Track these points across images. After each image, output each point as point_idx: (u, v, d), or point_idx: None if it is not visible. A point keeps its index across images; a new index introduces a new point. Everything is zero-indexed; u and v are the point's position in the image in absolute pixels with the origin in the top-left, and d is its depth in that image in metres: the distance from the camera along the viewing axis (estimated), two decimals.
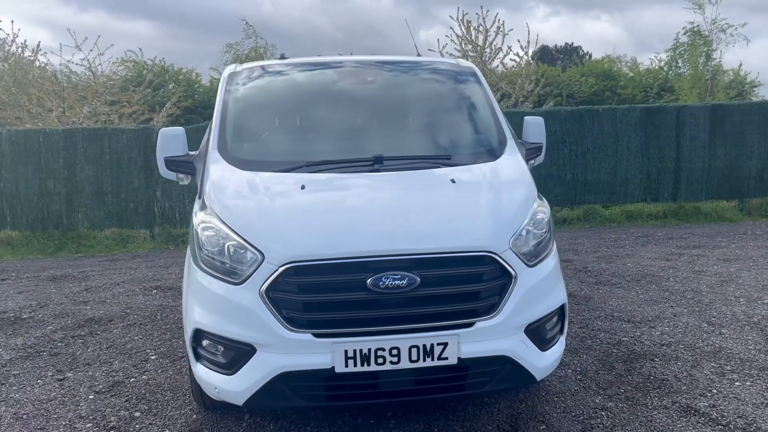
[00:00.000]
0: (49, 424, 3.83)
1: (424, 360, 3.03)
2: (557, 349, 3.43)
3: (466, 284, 3.10)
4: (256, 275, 3.01)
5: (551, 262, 3.44)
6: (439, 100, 4.41)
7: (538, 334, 3.30)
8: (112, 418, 3.87)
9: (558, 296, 3.42)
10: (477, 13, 16.66)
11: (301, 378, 3.00)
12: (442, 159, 3.76)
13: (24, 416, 3.97)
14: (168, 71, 23.46)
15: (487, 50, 16.97)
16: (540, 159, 4.43)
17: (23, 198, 11.15)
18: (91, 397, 4.24)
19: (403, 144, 4.03)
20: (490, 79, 16.12)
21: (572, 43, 39.73)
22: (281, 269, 2.97)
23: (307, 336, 2.97)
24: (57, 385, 4.47)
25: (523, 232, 3.31)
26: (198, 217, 3.42)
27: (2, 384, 4.54)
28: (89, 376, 4.64)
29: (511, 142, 4.01)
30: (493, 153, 3.89)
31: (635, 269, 7.56)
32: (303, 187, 3.39)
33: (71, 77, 19.40)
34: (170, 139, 3.96)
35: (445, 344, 3.04)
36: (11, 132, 11.23)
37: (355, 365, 2.98)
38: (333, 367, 2.97)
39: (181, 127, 4.05)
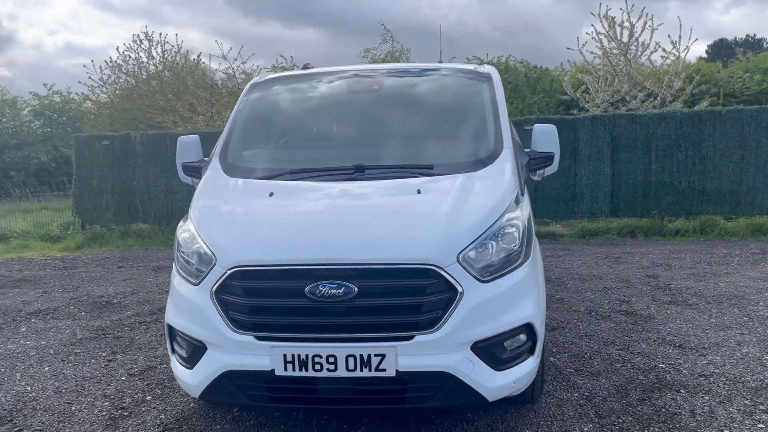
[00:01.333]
0: (76, 400, 4.30)
1: (362, 370, 3.04)
2: (520, 371, 3.27)
3: (406, 297, 3.06)
4: (209, 277, 3.20)
5: (518, 276, 3.28)
6: (440, 108, 4.34)
7: (491, 352, 3.17)
8: (128, 400, 4.27)
9: (521, 313, 3.26)
10: (621, 8, 15.61)
11: (245, 377, 3.14)
12: (424, 169, 3.72)
13: (62, 391, 4.49)
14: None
15: (632, 47, 15.83)
16: (552, 169, 4.22)
17: (152, 195, 12.39)
18: (123, 378, 4.69)
19: (391, 153, 4.03)
20: (635, 78, 15.10)
21: (754, 35, 35.96)
22: (229, 272, 3.14)
23: (249, 338, 3.11)
24: (103, 365, 4.99)
25: (481, 246, 3.20)
26: (182, 221, 3.68)
27: (62, 360, 5.16)
28: (132, 359, 5.13)
29: (506, 151, 3.86)
30: (481, 162, 3.77)
31: (725, 290, 6.84)
32: (271, 194, 3.53)
33: (227, 83, 21.19)
34: (186, 146, 4.28)
35: (383, 356, 3.03)
36: (143, 135, 12.52)
37: (294, 370, 3.07)
38: (273, 370, 3.08)
39: (196, 135, 4.36)
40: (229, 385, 3.18)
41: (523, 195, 3.81)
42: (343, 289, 3.02)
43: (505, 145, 3.90)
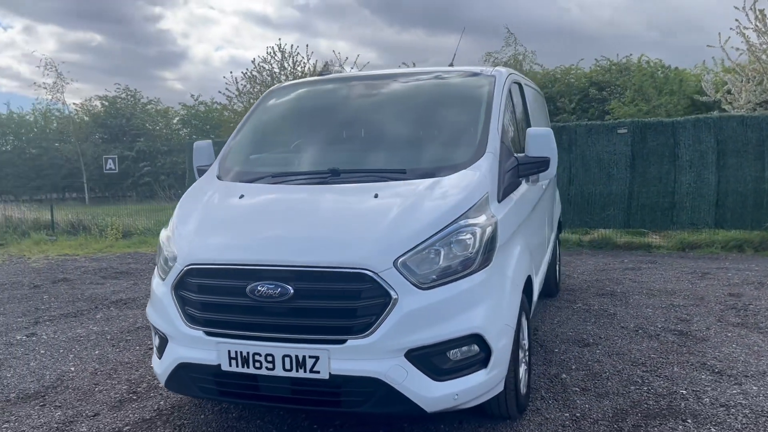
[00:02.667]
0: (103, 382, 4.72)
1: (297, 371, 3.10)
2: (465, 383, 3.16)
3: (340, 300, 3.08)
4: (171, 274, 3.42)
5: (468, 284, 3.17)
6: (431, 112, 4.26)
7: (429, 361, 3.10)
8: (143, 386, 4.62)
9: (468, 323, 3.14)
10: None
11: (196, 370, 3.31)
12: (396, 173, 3.69)
13: (98, 373, 4.95)
14: None
15: None
16: (549, 174, 4.00)
17: None
18: (151, 366, 5.07)
19: (371, 158, 4.03)
20: None
21: None
22: (185, 269, 3.33)
23: (199, 333, 3.28)
24: (142, 353, 5.43)
25: (425, 251, 3.13)
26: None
27: (112, 346, 5.67)
28: None
29: (486, 155, 3.72)
30: (456, 167, 3.67)
31: None
32: (241, 197, 3.69)
33: None
34: (200, 151, 4.55)
35: (317, 358, 3.07)
36: None
37: (237, 366, 3.19)
38: (219, 365, 3.22)
39: (209, 141, 4.62)
40: (184, 377, 3.37)
41: (501, 200, 3.66)
42: (279, 289, 3.10)
43: (487, 150, 3.76)
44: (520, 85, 4.97)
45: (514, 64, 25.14)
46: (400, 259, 3.09)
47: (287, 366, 3.12)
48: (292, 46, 35.57)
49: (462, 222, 3.29)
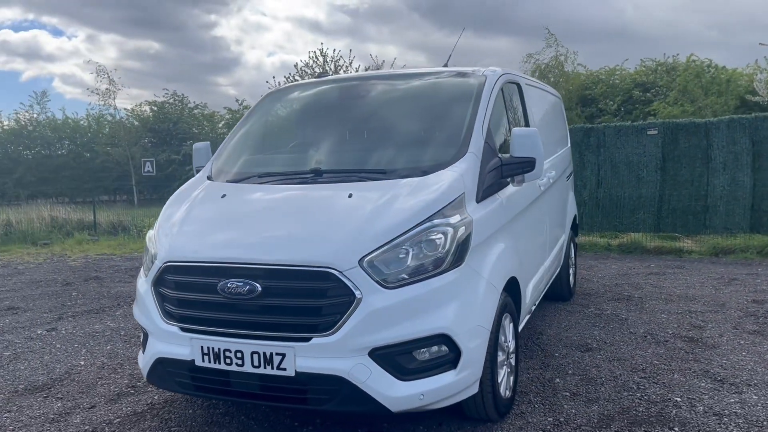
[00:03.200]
0: (107, 376, 4.88)
1: (265, 367, 3.15)
2: (432, 383, 3.16)
3: (305, 298, 3.12)
4: (152, 271, 3.52)
5: (437, 283, 3.17)
6: (416, 113, 4.25)
7: (393, 360, 3.10)
8: (143, 381, 4.74)
9: (436, 323, 3.14)
10: None
11: (173, 365, 3.40)
12: (376, 173, 3.71)
13: (105, 367, 5.12)
14: None
15: None
16: (535, 175, 3.95)
17: None
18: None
19: (354, 158, 4.05)
20: None
21: None
22: (163, 267, 3.43)
23: (175, 328, 3.37)
24: None
25: (392, 251, 3.14)
26: None
27: (124, 342, 5.85)
28: None
29: (467, 156, 3.70)
30: (435, 167, 3.66)
31: None
32: (223, 196, 3.76)
33: None
34: (199, 152, 4.66)
35: (283, 355, 3.12)
36: None
37: (209, 362, 3.27)
38: (193, 360, 3.30)
39: (207, 142, 4.72)
40: (162, 372, 3.47)
41: (481, 201, 3.63)
42: (248, 287, 3.16)
43: (469, 150, 3.74)
44: (518, 85, 4.92)
45: (555, 65, 24.75)
46: (366, 258, 3.11)
47: (255, 363, 3.17)
48: (334, 50, 35.94)
49: (433, 222, 3.28)
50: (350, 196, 3.46)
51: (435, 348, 3.20)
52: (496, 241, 3.77)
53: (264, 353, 3.15)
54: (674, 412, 3.87)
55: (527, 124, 4.89)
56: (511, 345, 3.98)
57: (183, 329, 3.35)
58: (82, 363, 5.25)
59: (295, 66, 33.12)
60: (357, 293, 3.05)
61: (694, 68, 21.25)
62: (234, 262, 3.25)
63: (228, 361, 3.22)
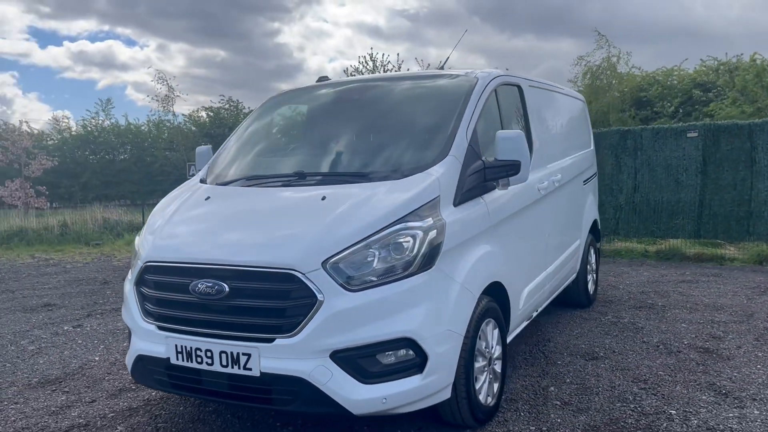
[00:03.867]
0: (116, 372, 5.07)
1: (232, 367, 3.22)
2: (396, 387, 3.15)
3: (270, 300, 3.17)
4: (134, 270, 3.64)
5: (403, 287, 3.16)
6: (404, 116, 4.24)
7: (355, 363, 3.11)
8: None
9: (400, 326, 3.13)
10: None
11: (151, 363, 3.50)
12: (358, 176, 3.72)
13: (116, 363, 5.31)
14: None
15: None
16: (520, 178, 3.88)
17: None
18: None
19: (339, 161, 4.08)
20: None
21: None
22: (143, 266, 3.55)
23: (153, 327, 3.48)
24: None
25: (357, 253, 3.15)
26: None
27: None
28: None
29: (447, 158, 3.67)
30: (416, 169, 3.65)
31: None
32: (207, 198, 3.85)
33: None
34: (201, 155, 4.79)
35: (249, 355, 3.17)
36: None
37: (183, 360, 3.35)
38: (169, 358, 3.40)
39: (209, 146, 4.84)
40: (143, 369, 3.58)
41: (459, 204, 3.60)
42: (217, 287, 3.23)
43: (450, 153, 3.71)
44: (519, 87, 4.83)
45: (607, 66, 24.11)
46: (331, 261, 3.13)
47: (224, 362, 3.23)
48: (382, 54, 36.01)
49: (402, 225, 3.27)
50: (323, 198, 3.49)
51: (401, 352, 3.19)
52: (476, 245, 3.72)
53: (231, 353, 3.21)
54: (665, 425, 3.73)
55: (527, 127, 4.81)
56: (496, 351, 3.92)
57: (159, 327, 3.45)
58: (97, 359, 5.46)
59: (345, 71, 33.42)
60: (319, 296, 3.08)
61: (755, 68, 20.31)
62: (205, 263, 3.32)
63: (199, 360, 3.30)
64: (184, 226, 3.69)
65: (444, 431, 3.72)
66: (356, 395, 3.10)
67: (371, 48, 65.83)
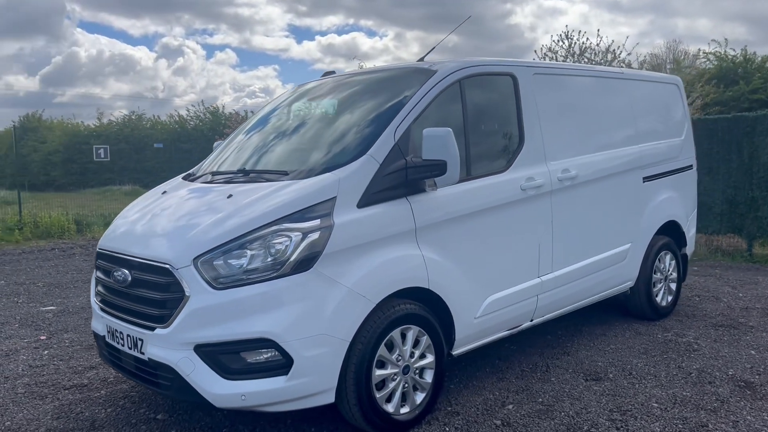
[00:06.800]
0: None
1: (133, 350, 3.53)
2: (257, 386, 3.22)
3: (154, 291, 3.42)
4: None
5: (268, 287, 3.21)
6: (354, 113, 4.11)
7: (217, 358, 3.23)
8: None
9: (259, 326, 3.18)
10: None
11: (99, 339, 3.96)
12: (278, 174, 3.78)
13: None
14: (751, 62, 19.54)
15: None
16: (450, 179, 3.62)
17: None
18: None
19: (276, 159, 4.16)
20: None
21: None
22: (96, 253, 4.00)
23: (97, 307, 3.92)
24: None
25: (228, 252, 3.25)
26: None
27: None
28: None
29: (363, 158, 3.55)
30: (326, 169, 3.60)
31: None
32: (163, 193, 4.18)
33: None
34: (215, 150, 5.16)
35: (142, 341, 3.46)
36: None
37: (111, 339, 3.76)
38: (104, 336, 3.82)
39: (221, 141, 5.15)
40: (97, 344, 4.05)
41: (365, 206, 3.48)
42: (123, 276, 3.57)
43: (368, 152, 3.58)
44: (513, 76, 4.41)
45: None
46: (202, 258, 3.27)
47: (129, 345, 3.56)
48: (579, 32, 33.58)
49: (277, 226, 3.29)
50: (230, 196, 3.62)
51: (268, 352, 3.23)
52: (390, 247, 3.56)
53: (132, 337, 3.53)
54: None
55: (519, 121, 4.38)
56: (421, 362, 3.72)
57: (100, 309, 3.88)
58: None
59: (535, 52, 31.97)
60: (186, 291, 3.24)
61: None
62: (120, 253, 3.68)
63: (118, 341, 3.66)
64: (128, 217, 4.07)
65: None
66: (217, 389, 3.21)
67: (566, 26, 61.75)
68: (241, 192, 3.64)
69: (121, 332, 3.63)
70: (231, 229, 3.31)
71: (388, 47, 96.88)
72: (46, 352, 5.42)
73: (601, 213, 5.07)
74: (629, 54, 21.90)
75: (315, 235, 3.30)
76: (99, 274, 3.93)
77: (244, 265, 3.25)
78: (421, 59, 4.59)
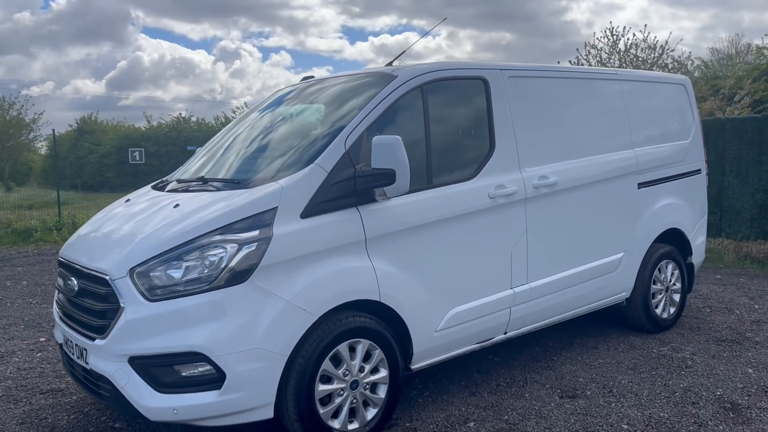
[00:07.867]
0: None
1: (80, 359, 3.55)
2: (189, 400, 3.20)
3: (95, 301, 3.44)
4: None
5: (200, 300, 3.18)
6: (312, 121, 4.04)
7: (150, 371, 3.21)
8: None
9: (189, 340, 3.16)
10: None
11: (60, 349, 3.99)
12: (231, 183, 3.75)
13: None
14: None
15: None
16: (399, 188, 3.51)
17: None
18: None
19: (232, 168, 4.11)
20: None
21: None
22: (58, 261, 4.05)
23: (57, 316, 3.96)
24: None
25: (167, 263, 3.23)
26: None
27: None
28: None
29: (309, 167, 3.47)
30: (274, 178, 3.54)
31: None
32: (127, 201, 4.19)
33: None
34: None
35: (86, 350, 3.47)
36: None
37: (66, 348, 3.79)
38: (62, 345, 3.86)
39: (197, 147, 5.17)
40: (60, 353, 4.09)
41: (309, 216, 3.40)
42: (71, 285, 3.60)
43: (316, 161, 3.50)
44: (484, 80, 4.24)
45: None
46: (138, 269, 3.25)
47: (77, 354, 3.58)
48: (624, 27, 32.38)
49: (215, 237, 3.25)
50: (176, 205, 3.59)
51: (202, 366, 3.19)
52: (336, 258, 3.48)
53: (79, 347, 3.54)
54: None
55: (490, 126, 4.21)
56: (372, 376, 3.62)
57: (59, 317, 3.92)
58: None
59: (577, 50, 31.14)
60: (121, 302, 3.23)
61: None
62: (73, 262, 3.70)
63: (71, 350, 3.69)
64: (88, 226, 4.10)
65: None
66: (150, 402, 3.19)
67: (610, 22, 59.71)
68: (187, 201, 3.61)
69: (71, 341, 3.65)
70: (168, 239, 3.28)
71: (441, 46, 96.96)
72: (39, 354, 5.53)
73: (587, 221, 4.84)
74: (685, 49, 21.21)
75: (252, 247, 3.24)
76: (58, 282, 3.98)
77: (181, 277, 3.22)
78: (389, 64, 4.47)
